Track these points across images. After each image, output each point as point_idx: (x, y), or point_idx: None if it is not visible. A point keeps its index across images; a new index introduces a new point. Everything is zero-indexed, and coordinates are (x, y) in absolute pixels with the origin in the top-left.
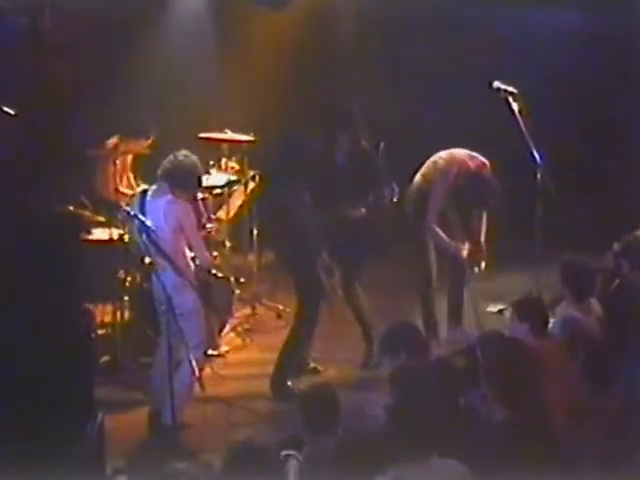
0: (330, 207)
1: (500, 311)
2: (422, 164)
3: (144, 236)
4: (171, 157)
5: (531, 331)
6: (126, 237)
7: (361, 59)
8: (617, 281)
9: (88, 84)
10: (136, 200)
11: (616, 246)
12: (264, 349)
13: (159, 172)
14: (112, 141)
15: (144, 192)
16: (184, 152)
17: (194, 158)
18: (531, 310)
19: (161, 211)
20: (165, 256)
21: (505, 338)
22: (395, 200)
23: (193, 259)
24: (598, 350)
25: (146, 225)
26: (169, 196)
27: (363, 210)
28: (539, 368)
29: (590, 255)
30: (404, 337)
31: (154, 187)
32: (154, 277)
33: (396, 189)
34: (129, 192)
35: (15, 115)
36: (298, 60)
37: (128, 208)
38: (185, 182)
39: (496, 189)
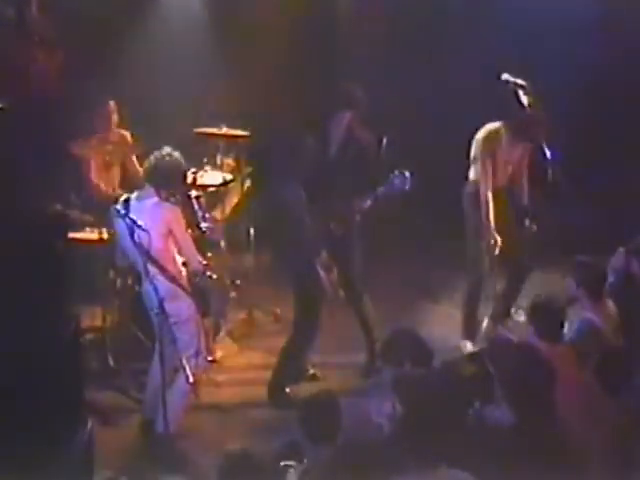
0: (325, 203)
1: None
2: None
3: (135, 237)
4: (152, 157)
5: (544, 335)
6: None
7: (362, 53)
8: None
9: (75, 77)
10: (120, 205)
11: (628, 245)
12: (261, 354)
13: (142, 174)
14: (98, 137)
15: (127, 199)
16: (166, 150)
17: (177, 155)
18: (544, 314)
19: (148, 214)
20: (155, 262)
21: (515, 344)
22: (407, 189)
23: (184, 264)
24: (612, 354)
25: (137, 225)
26: (155, 198)
27: (369, 202)
28: (551, 374)
29: (602, 254)
30: (407, 346)
31: (138, 192)
32: (145, 282)
33: (408, 177)
34: (120, 192)
35: (1, 109)
36: (296, 54)
37: (118, 207)
38: (168, 182)
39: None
